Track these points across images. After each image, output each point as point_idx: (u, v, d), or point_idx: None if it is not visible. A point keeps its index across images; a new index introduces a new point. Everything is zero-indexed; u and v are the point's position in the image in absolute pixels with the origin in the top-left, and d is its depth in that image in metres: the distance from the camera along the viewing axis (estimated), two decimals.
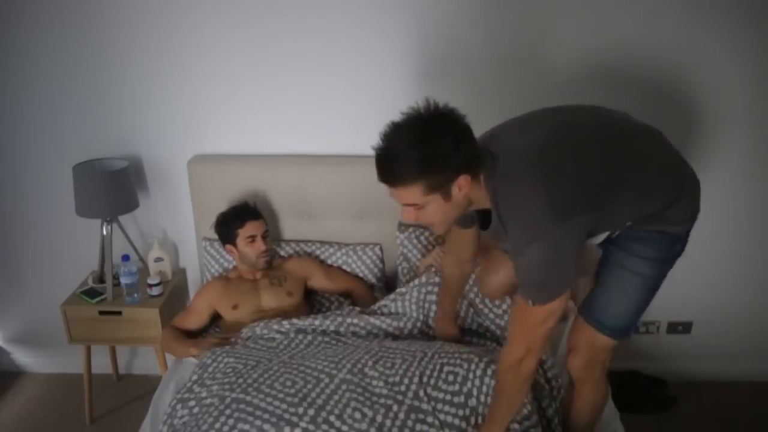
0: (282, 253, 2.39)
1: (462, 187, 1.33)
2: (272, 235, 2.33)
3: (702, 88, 2.27)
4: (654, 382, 2.62)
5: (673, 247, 1.60)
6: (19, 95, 2.34)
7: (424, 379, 1.69)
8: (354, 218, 2.39)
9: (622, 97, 2.20)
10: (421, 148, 1.27)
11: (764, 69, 2.23)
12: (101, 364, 2.67)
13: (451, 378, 1.69)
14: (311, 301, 2.33)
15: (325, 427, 1.55)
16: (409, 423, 1.59)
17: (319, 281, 2.31)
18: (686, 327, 2.66)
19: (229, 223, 2.19)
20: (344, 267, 2.39)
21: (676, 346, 2.69)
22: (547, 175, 1.32)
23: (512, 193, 1.35)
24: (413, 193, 1.32)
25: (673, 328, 2.66)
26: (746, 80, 2.25)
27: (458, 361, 1.73)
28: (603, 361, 1.64)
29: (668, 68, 2.24)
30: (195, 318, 2.20)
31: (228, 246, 2.22)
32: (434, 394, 1.66)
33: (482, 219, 1.50)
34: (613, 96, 2.06)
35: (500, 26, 2.19)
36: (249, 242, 2.16)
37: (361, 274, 2.38)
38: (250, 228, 2.16)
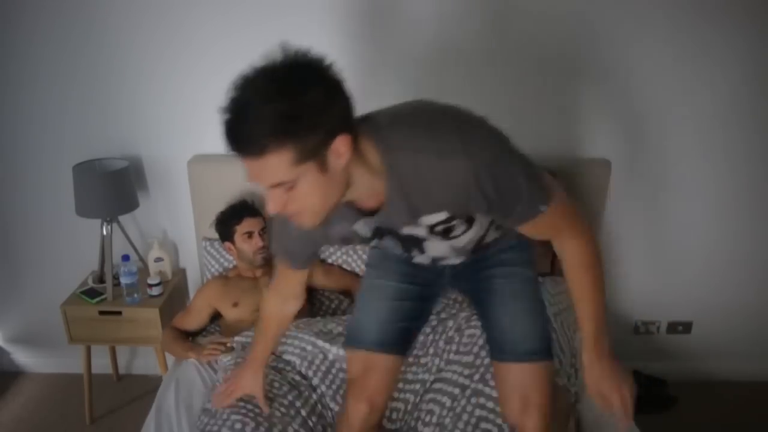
0: None
1: (341, 154, 1.02)
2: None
3: (702, 88, 2.27)
4: (654, 382, 2.62)
5: (531, 247, 1.52)
6: (19, 95, 2.33)
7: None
8: None
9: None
10: (286, 99, 0.96)
11: (765, 69, 2.23)
12: (101, 364, 2.67)
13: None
14: (311, 299, 2.33)
15: None
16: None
17: (318, 279, 2.31)
18: (686, 327, 2.66)
19: (227, 220, 2.20)
20: (344, 266, 2.39)
21: (676, 346, 2.69)
22: (443, 119, 1.10)
23: (419, 145, 1.06)
24: (280, 163, 0.98)
25: (673, 328, 2.66)
26: (747, 80, 2.25)
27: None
28: (552, 400, 1.49)
29: (669, 68, 2.24)
30: (195, 318, 2.21)
31: (227, 243, 2.22)
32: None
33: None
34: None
35: (492, 18, 2.19)
36: (246, 238, 2.17)
37: (362, 274, 2.38)
38: (247, 225, 2.17)
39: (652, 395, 2.55)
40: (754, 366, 2.72)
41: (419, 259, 1.45)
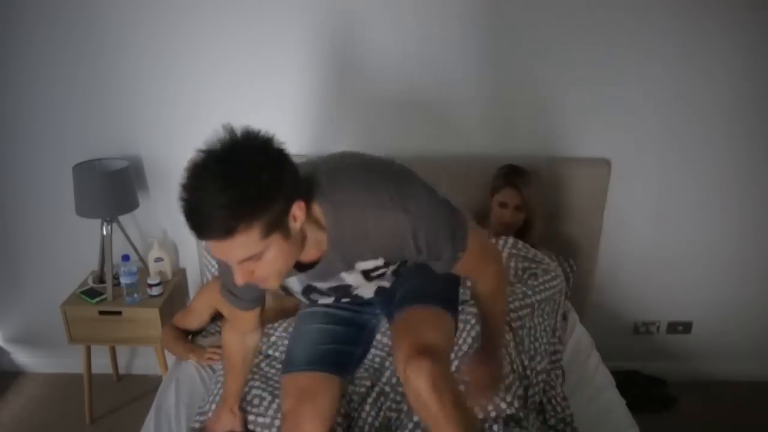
0: None
1: (298, 217, 1.10)
2: None
3: (702, 87, 2.27)
4: (654, 382, 2.62)
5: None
6: (19, 95, 2.33)
7: None
8: None
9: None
10: (243, 183, 1.02)
11: (765, 69, 2.24)
12: (101, 364, 2.67)
13: None
14: None
15: None
16: None
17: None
18: (686, 327, 2.66)
19: None
20: None
21: (676, 346, 2.69)
22: (380, 174, 1.21)
23: (360, 200, 1.17)
24: (248, 240, 1.04)
25: (673, 328, 2.66)
26: (749, 78, 2.25)
27: None
28: (447, 353, 1.40)
29: (669, 68, 2.24)
30: (195, 318, 2.20)
31: None
32: None
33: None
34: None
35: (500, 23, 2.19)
36: None
37: None
38: None
39: (652, 395, 2.55)
40: (754, 366, 2.72)
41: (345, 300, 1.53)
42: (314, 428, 1.50)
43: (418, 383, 1.27)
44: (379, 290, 1.46)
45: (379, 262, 1.28)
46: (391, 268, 1.34)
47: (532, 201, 2.19)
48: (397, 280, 1.45)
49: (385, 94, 2.30)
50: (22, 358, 2.83)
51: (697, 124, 2.32)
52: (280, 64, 2.26)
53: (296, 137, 2.38)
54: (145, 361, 2.77)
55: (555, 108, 2.31)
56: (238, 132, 1.09)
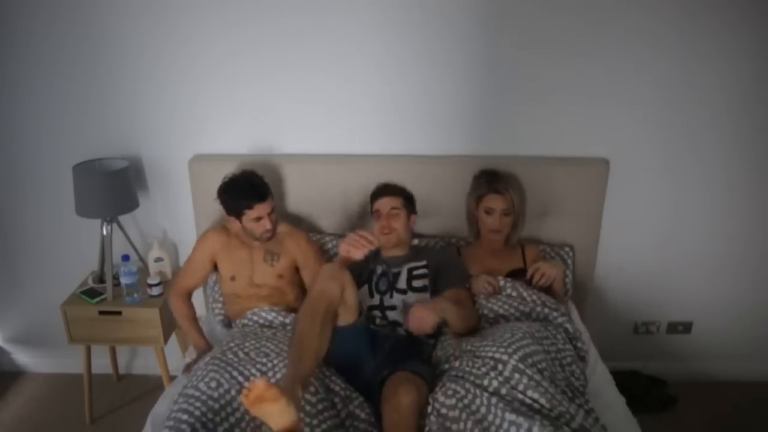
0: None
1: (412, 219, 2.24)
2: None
3: (702, 87, 2.27)
4: (654, 382, 2.62)
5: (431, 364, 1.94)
6: (19, 96, 2.34)
7: None
8: (355, 217, 2.40)
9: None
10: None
11: (765, 70, 2.24)
12: (101, 364, 2.67)
13: None
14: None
15: None
16: None
17: (304, 275, 2.24)
18: (686, 327, 2.66)
19: (237, 201, 2.09)
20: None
21: (676, 346, 2.69)
22: None
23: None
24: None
25: (673, 328, 2.66)
26: (749, 79, 2.25)
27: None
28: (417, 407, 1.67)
29: (668, 68, 2.24)
30: (197, 271, 2.20)
31: (231, 216, 2.12)
32: None
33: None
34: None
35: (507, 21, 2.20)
36: (255, 221, 2.10)
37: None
38: (258, 210, 2.08)
39: (652, 395, 2.55)
40: (754, 366, 2.72)
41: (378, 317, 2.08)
42: None
43: (406, 399, 1.60)
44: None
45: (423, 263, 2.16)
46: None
47: (516, 203, 2.20)
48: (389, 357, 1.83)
49: (383, 93, 2.30)
50: (22, 358, 2.83)
51: (695, 124, 2.32)
52: (280, 63, 2.26)
53: (297, 137, 2.39)
54: (145, 361, 2.77)
55: (554, 108, 2.31)
56: None
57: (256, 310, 2.11)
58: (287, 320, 2.09)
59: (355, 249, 1.84)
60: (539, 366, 1.74)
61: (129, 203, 2.32)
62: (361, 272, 2.13)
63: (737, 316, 2.63)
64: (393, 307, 2.08)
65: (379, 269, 2.17)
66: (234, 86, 2.30)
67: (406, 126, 2.35)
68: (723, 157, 2.37)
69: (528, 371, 1.69)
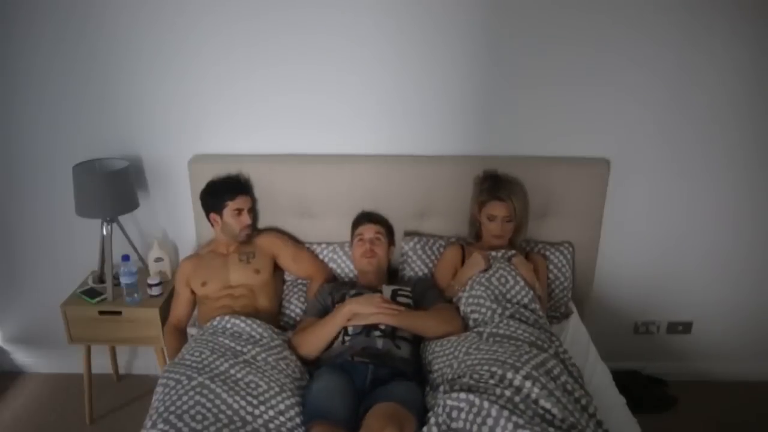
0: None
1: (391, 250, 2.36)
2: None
3: (702, 87, 2.27)
4: (654, 382, 2.62)
5: (419, 390, 1.88)
6: (19, 95, 2.34)
7: None
8: (354, 217, 2.40)
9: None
10: None
11: (765, 70, 2.24)
12: (101, 364, 2.67)
13: None
14: (282, 278, 2.38)
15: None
16: None
17: (284, 260, 2.34)
18: (686, 327, 2.66)
19: (220, 194, 2.23)
20: (345, 266, 2.39)
21: (676, 346, 2.69)
22: None
23: None
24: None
25: (673, 328, 2.66)
26: (748, 81, 2.25)
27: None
28: None
29: (668, 68, 2.24)
30: (182, 301, 2.28)
31: (213, 215, 2.26)
32: None
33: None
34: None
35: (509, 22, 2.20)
36: (235, 215, 2.23)
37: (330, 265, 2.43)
38: (239, 202, 2.23)
39: (652, 395, 2.55)
40: (754, 366, 2.72)
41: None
42: None
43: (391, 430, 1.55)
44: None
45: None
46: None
47: (519, 210, 2.20)
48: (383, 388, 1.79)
49: (384, 94, 2.30)
50: (22, 358, 2.83)
51: (696, 124, 2.32)
52: (280, 63, 2.26)
53: (297, 137, 2.39)
54: (145, 361, 2.77)
55: (555, 108, 2.31)
56: None
57: (227, 317, 2.05)
58: (257, 334, 2.01)
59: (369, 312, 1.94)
60: (553, 373, 1.70)
61: (129, 203, 2.32)
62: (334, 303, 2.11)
63: (737, 316, 2.63)
64: (376, 326, 1.97)
65: (353, 292, 2.11)
66: (234, 87, 2.30)
67: (406, 126, 2.35)
68: (724, 157, 2.37)
69: (542, 379, 1.65)
